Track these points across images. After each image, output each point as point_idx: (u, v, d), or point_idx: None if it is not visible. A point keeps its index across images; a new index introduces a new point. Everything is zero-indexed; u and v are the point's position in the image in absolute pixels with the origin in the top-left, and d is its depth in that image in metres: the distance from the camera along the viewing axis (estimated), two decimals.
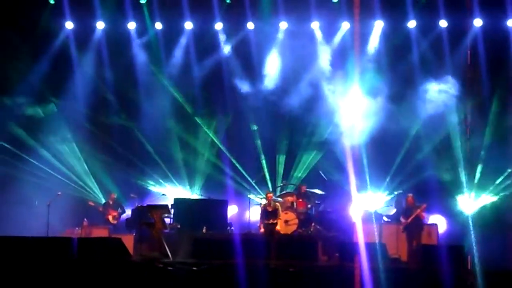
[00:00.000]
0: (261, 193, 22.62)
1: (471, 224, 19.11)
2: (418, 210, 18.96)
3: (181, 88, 23.39)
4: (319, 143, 22.82)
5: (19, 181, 22.02)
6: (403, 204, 20.41)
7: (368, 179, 21.78)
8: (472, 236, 18.30)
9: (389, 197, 21.92)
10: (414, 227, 18.94)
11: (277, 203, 19.42)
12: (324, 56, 22.87)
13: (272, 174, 23.24)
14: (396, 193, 21.16)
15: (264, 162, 23.26)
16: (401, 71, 22.32)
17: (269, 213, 19.10)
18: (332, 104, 22.34)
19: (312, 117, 22.63)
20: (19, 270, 15.63)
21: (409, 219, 18.93)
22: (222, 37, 23.33)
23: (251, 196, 21.83)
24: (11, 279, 15.48)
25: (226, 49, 23.27)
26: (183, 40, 23.32)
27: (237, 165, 23.14)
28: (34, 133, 22.54)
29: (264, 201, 20.51)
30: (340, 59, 22.73)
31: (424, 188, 19.70)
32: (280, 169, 23.22)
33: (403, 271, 16.26)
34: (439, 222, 20.25)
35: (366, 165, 21.62)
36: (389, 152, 22.21)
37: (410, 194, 19.46)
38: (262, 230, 19.39)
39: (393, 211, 20.93)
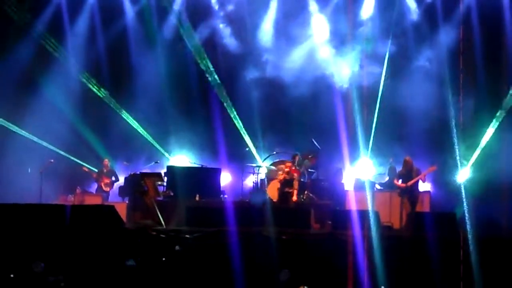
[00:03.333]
0: (256, 161, 22.72)
1: (463, 191, 19.14)
2: (424, 173, 18.71)
3: (174, 58, 23.36)
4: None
5: (12, 148, 21.97)
6: (396, 171, 20.43)
7: (361, 146, 21.87)
8: (464, 203, 18.32)
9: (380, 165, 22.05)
10: (412, 192, 18.74)
11: (295, 173, 19.40)
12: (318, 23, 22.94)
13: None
14: (390, 160, 21.17)
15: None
16: (395, 41, 22.42)
17: (285, 182, 19.14)
18: (326, 70, 22.48)
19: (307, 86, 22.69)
20: (12, 237, 15.63)
21: (409, 183, 18.55)
22: (215, 5, 23.28)
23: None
24: (4, 246, 15.49)
25: (219, 21, 23.28)
26: (176, 8, 23.27)
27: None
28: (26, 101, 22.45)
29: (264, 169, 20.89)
30: (335, 25, 22.81)
31: (415, 155, 19.59)
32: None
33: (395, 238, 16.29)
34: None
35: (360, 132, 21.72)
36: (382, 119, 22.36)
37: (408, 157, 19.11)
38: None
39: (386, 178, 20.97)
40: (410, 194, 18.58)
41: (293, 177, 19.19)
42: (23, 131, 22.00)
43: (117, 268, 15.45)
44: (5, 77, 22.00)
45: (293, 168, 20.27)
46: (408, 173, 18.67)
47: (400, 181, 18.79)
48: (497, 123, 21.60)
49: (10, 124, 21.95)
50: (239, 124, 23.28)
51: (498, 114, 21.55)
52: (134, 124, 23.20)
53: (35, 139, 22.01)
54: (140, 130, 23.24)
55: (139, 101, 23.21)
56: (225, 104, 23.31)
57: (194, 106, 23.51)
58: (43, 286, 15.00)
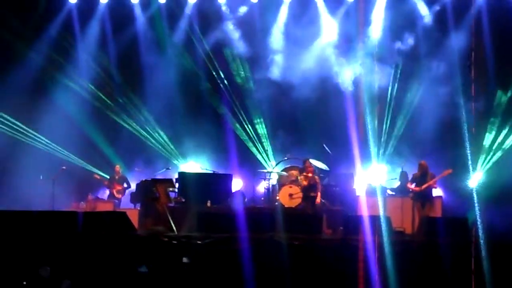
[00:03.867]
0: (266, 167, 22.74)
1: (475, 196, 19.07)
2: (438, 177, 18.66)
3: (185, 62, 23.42)
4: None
5: (24, 156, 22.07)
6: (407, 176, 20.39)
7: (372, 152, 21.85)
8: (476, 209, 18.25)
9: (391, 170, 22.01)
10: (426, 196, 18.67)
11: (316, 177, 19.43)
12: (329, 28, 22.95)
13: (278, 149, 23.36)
14: (402, 165, 21.16)
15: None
16: (406, 44, 22.43)
17: (309, 187, 19.22)
18: (335, 73, 22.50)
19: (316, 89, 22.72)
20: (24, 245, 15.68)
21: (423, 186, 18.53)
22: (225, 10, 23.32)
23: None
24: (17, 253, 15.54)
25: (229, 23, 23.29)
26: (187, 13, 23.33)
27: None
28: (37, 107, 22.56)
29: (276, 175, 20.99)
30: (345, 31, 22.82)
31: (427, 161, 19.54)
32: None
33: (407, 243, 16.25)
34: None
35: (371, 137, 21.70)
36: (393, 124, 22.37)
37: (423, 160, 19.12)
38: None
39: (397, 184, 20.93)
40: (424, 198, 18.52)
41: (316, 181, 19.28)
42: (36, 134, 22.11)
43: (129, 274, 15.44)
44: (18, 82, 22.12)
45: (303, 174, 20.36)
46: (423, 177, 18.63)
47: (413, 185, 18.75)
48: (509, 128, 21.59)
49: (25, 127, 22.07)
50: (249, 128, 23.35)
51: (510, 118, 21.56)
52: (145, 130, 23.27)
53: (47, 144, 22.12)
54: (151, 136, 23.30)
55: (150, 107, 23.29)
56: (235, 109, 23.37)
57: (204, 111, 23.54)
58: None
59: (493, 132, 22.01)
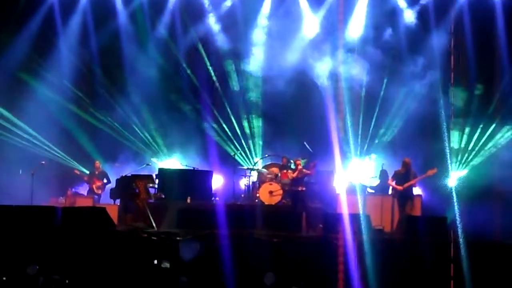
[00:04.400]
0: (245, 164, 22.77)
1: (454, 195, 19.16)
2: (422, 176, 18.71)
3: (167, 57, 23.40)
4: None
5: (3, 149, 21.96)
6: (387, 174, 20.46)
7: (352, 148, 21.93)
8: (455, 208, 18.35)
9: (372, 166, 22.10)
10: (406, 194, 18.61)
11: (305, 170, 19.33)
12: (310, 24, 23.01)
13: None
14: (382, 163, 21.26)
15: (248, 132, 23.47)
16: (386, 42, 22.51)
17: (297, 180, 19.15)
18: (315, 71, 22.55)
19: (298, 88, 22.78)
20: (3, 239, 15.60)
21: (406, 185, 18.44)
22: (208, 5, 23.32)
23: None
24: None
25: (212, 19, 23.28)
26: (169, 7, 23.31)
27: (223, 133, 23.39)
28: (17, 101, 22.46)
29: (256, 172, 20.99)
30: (326, 27, 22.88)
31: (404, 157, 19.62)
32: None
33: (386, 241, 16.32)
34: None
35: (351, 133, 21.78)
36: (369, 119, 22.49)
37: (408, 158, 19.04)
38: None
39: (377, 182, 21.00)
40: (405, 196, 18.56)
41: (305, 174, 19.13)
42: (18, 124, 22.03)
43: (108, 270, 15.39)
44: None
45: (283, 171, 20.42)
46: (406, 175, 18.63)
47: (395, 182, 18.76)
48: (489, 126, 21.73)
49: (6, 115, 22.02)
50: (229, 125, 23.40)
51: (489, 116, 21.68)
52: (126, 125, 23.23)
53: (27, 137, 22.08)
54: (132, 131, 23.27)
55: (131, 102, 23.21)
56: (215, 105, 23.40)
57: (185, 107, 23.53)
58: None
59: (468, 131, 22.11)
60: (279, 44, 22.94)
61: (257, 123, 23.57)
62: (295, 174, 19.21)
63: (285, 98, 22.81)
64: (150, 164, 22.39)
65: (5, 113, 22.35)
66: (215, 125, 23.47)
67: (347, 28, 22.75)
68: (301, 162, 19.58)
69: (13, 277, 15.09)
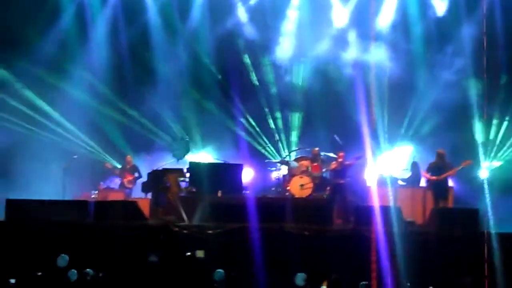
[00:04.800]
0: (276, 156, 22.77)
1: (486, 187, 19.03)
2: (457, 168, 18.63)
3: (196, 53, 23.45)
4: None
5: (36, 145, 22.17)
6: (418, 166, 20.38)
7: (383, 140, 21.87)
8: (488, 199, 18.22)
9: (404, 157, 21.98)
10: (442, 186, 18.64)
11: (347, 162, 19.37)
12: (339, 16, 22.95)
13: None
14: (414, 155, 21.20)
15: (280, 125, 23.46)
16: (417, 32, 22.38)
17: (339, 172, 19.19)
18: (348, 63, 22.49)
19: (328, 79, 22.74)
20: (36, 233, 15.76)
21: (442, 176, 18.48)
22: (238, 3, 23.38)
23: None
24: (28, 242, 15.62)
25: (241, 12, 23.29)
26: (198, 2, 23.33)
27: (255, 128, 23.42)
28: (49, 96, 22.68)
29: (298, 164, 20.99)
30: (356, 19, 22.81)
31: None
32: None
33: (418, 234, 16.24)
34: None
35: (382, 124, 21.74)
36: (402, 110, 22.37)
37: (442, 149, 19.09)
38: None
39: (408, 174, 20.90)
40: (440, 188, 18.45)
41: (348, 165, 19.29)
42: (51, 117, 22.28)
43: (140, 263, 15.49)
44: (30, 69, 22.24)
45: (314, 164, 20.45)
46: (441, 166, 18.54)
47: (429, 173, 18.66)
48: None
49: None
50: (258, 118, 23.45)
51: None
52: (157, 120, 23.34)
53: (59, 132, 22.33)
54: (162, 126, 23.38)
55: (162, 97, 23.28)
56: (245, 99, 23.43)
57: (216, 101, 23.57)
58: (67, 281, 15.11)
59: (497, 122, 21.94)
60: (308, 35, 22.92)
61: (287, 116, 23.56)
62: (334, 166, 19.21)
63: (314, 89, 22.80)
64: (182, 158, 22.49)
65: (42, 105, 22.57)
66: (244, 119, 23.49)
67: (377, 18, 22.63)
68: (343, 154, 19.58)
69: (47, 272, 15.24)
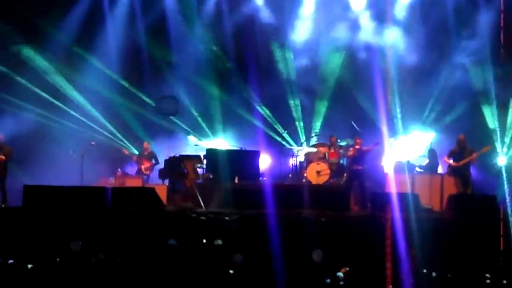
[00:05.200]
0: (293, 144, 22.76)
1: (504, 174, 18.96)
2: (477, 153, 18.53)
3: (214, 39, 23.45)
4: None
5: (54, 131, 22.30)
6: (436, 153, 20.35)
7: (400, 125, 21.81)
8: (505, 186, 18.15)
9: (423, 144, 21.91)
10: (463, 172, 18.59)
11: (365, 148, 19.33)
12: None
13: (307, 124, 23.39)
14: (431, 142, 21.17)
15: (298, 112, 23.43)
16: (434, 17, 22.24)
17: (356, 159, 19.16)
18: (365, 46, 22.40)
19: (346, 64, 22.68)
20: (54, 220, 15.85)
21: (461, 162, 18.49)
22: None
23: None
24: (47, 228, 15.71)
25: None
26: None
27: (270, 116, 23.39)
28: (67, 83, 22.78)
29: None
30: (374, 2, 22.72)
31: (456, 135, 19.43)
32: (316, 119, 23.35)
33: (435, 221, 16.19)
34: None
35: (399, 109, 21.68)
36: (421, 95, 22.26)
37: (462, 134, 19.04)
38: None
39: (425, 161, 20.86)
40: (462, 173, 18.41)
41: (366, 151, 19.18)
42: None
43: (158, 249, 15.55)
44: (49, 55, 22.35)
45: (331, 151, 20.46)
46: (461, 152, 18.51)
47: (451, 160, 18.62)
48: None
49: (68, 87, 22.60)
50: (276, 105, 23.43)
51: None
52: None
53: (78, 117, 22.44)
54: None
55: (179, 84, 23.31)
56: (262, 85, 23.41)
57: (232, 88, 23.58)
58: (85, 267, 15.22)
59: None
60: (325, 20, 22.86)
61: (305, 102, 23.54)
62: (352, 153, 19.19)
63: (332, 75, 22.80)
64: (198, 144, 22.53)
65: (60, 91, 22.69)
66: (262, 105, 23.48)
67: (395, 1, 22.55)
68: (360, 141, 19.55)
69: (63, 258, 15.35)
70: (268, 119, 23.48)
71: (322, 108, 23.30)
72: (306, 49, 23.26)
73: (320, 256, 15.05)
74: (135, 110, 23.25)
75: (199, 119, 23.53)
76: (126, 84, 23.29)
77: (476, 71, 21.77)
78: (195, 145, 22.47)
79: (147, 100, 23.39)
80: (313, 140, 22.65)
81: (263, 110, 23.43)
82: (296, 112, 23.55)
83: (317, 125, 23.32)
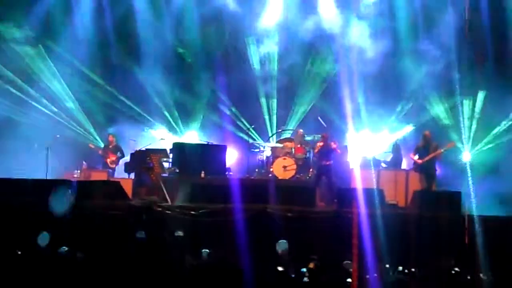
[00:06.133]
0: (259, 139, 22.76)
1: (468, 170, 19.15)
2: (442, 149, 18.69)
3: (180, 33, 23.34)
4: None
5: (19, 124, 22.08)
6: (400, 148, 20.50)
7: (366, 121, 21.91)
8: (469, 182, 18.33)
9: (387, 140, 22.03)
10: (428, 168, 18.67)
11: (332, 143, 19.37)
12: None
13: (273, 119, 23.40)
14: (396, 138, 21.34)
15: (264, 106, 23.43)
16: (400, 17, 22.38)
17: (324, 154, 19.20)
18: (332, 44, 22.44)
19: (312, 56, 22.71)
20: (17, 213, 15.70)
21: (426, 158, 18.53)
22: None
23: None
24: (11, 222, 15.57)
25: None
26: None
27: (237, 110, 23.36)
28: (30, 76, 22.57)
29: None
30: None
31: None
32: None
33: (400, 216, 16.30)
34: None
35: (364, 106, 21.77)
36: (388, 93, 22.37)
37: (428, 131, 19.11)
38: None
39: (390, 157, 20.99)
40: (428, 170, 18.51)
41: (332, 148, 19.22)
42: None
43: (123, 243, 15.48)
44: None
45: (298, 146, 20.52)
46: (426, 148, 18.61)
47: (416, 156, 18.72)
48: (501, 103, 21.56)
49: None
50: (243, 100, 23.40)
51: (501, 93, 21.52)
52: (141, 100, 23.26)
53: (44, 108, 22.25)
54: (146, 107, 23.31)
55: (146, 77, 23.17)
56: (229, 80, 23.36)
57: (201, 82, 23.50)
58: (52, 259, 15.11)
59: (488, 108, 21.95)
60: (292, 17, 22.87)
61: (271, 97, 23.55)
62: (317, 149, 19.25)
63: (298, 71, 22.86)
64: (164, 138, 22.43)
65: (25, 84, 22.49)
66: (229, 100, 23.43)
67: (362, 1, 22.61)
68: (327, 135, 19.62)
69: (28, 251, 15.22)
70: (235, 113, 23.42)
71: (290, 103, 23.31)
72: (274, 42, 23.22)
73: (284, 247, 15.05)
74: (103, 103, 23.08)
75: (166, 113, 23.41)
76: (93, 77, 23.09)
77: (442, 72, 21.87)
78: (161, 138, 22.34)
79: (115, 93, 23.19)
80: (281, 135, 22.64)
81: (230, 105, 23.37)
82: (263, 107, 23.53)
83: (285, 120, 23.32)
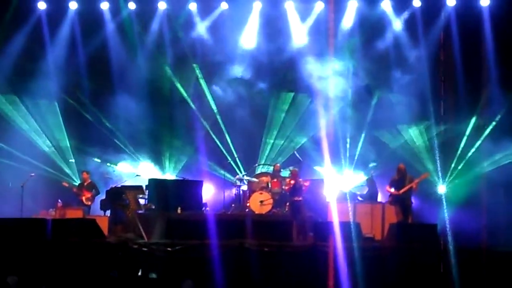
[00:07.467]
0: (238, 173, 22.69)
1: (444, 203, 19.23)
2: (417, 180, 18.68)
3: (155, 69, 23.34)
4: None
5: None
6: (375, 182, 20.56)
7: (343, 159, 21.93)
8: (446, 215, 18.40)
9: (362, 176, 22.06)
10: (404, 200, 18.55)
11: (301, 180, 19.41)
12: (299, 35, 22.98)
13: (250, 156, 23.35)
14: (371, 165, 21.38)
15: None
16: (375, 52, 22.51)
17: (295, 190, 19.20)
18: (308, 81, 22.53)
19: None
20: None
21: (402, 190, 18.41)
22: (196, 18, 23.29)
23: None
24: None
25: (201, 29, 23.23)
26: (156, 21, 23.26)
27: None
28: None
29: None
30: (316, 38, 22.85)
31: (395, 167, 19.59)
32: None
33: (377, 249, 16.34)
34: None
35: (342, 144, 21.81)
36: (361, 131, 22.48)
37: (402, 164, 19.01)
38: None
39: (365, 190, 21.05)
40: (403, 202, 18.54)
41: (302, 185, 19.27)
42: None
43: (99, 281, 15.36)
44: None
45: (274, 180, 20.51)
46: (401, 181, 18.64)
47: (392, 188, 18.76)
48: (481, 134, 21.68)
49: None
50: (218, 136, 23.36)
51: (477, 123, 21.63)
52: (116, 135, 23.17)
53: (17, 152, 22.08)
54: (123, 142, 23.21)
55: (121, 112, 23.08)
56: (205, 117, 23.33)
57: (176, 117, 23.44)
58: None
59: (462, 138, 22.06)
60: (267, 54, 22.95)
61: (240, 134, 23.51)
62: (288, 187, 19.32)
63: (272, 105, 22.99)
64: (140, 175, 22.32)
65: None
66: (205, 134, 23.37)
67: (336, 36, 22.71)
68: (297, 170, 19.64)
69: None
70: (213, 148, 23.34)
71: (266, 138, 23.33)
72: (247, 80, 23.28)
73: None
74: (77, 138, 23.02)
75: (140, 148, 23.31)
76: (67, 111, 23.00)
77: (417, 103, 21.99)
78: (137, 175, 22.23)
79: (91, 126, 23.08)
80: (257, 169, 22.60)
81: (208, 138, 23.30)
82: (235, 144, 23.44)
83: (262, 155, 23.30)
